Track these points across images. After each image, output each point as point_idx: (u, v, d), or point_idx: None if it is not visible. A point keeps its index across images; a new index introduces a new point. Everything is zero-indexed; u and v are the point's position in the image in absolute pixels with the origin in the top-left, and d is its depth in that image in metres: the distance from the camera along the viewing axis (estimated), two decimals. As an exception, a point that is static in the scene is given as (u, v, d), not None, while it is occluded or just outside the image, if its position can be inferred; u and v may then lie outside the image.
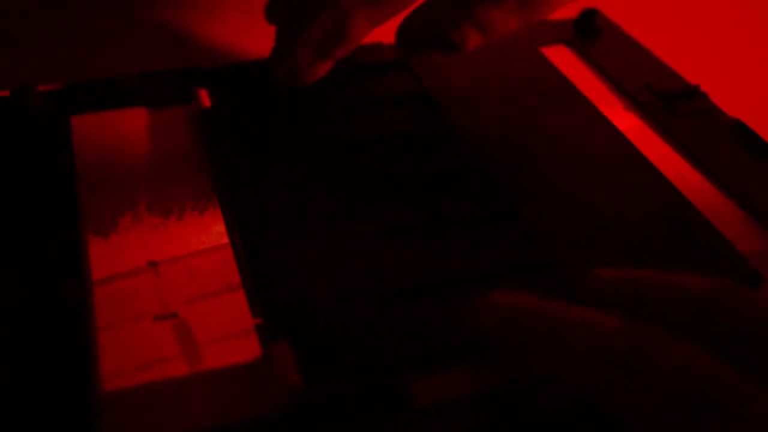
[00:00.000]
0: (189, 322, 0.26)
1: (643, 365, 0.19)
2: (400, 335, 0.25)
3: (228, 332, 0.26)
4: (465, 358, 0.24)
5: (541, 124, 0.35)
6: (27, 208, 0.30)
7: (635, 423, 0.20)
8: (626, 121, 0.36)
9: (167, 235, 0.29)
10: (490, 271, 0.28)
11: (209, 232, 0.29)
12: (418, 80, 0.37)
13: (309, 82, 0.35)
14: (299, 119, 0.35)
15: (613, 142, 0.34)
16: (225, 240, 0.29)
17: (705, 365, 0.19)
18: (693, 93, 0.37)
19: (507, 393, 0.24)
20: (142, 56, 0.41)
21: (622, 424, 0.20)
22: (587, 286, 0.24)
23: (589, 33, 0.42)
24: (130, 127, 0.34)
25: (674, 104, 0.36)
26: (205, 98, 0.35)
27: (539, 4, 0.33)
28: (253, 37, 0.43)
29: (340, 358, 0.24)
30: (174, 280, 0.27)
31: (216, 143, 0.33)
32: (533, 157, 0.33)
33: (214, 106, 0.35)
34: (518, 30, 0.38)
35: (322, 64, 0.34)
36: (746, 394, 0.19)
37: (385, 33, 0.41)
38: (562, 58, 0.40)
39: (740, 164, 0.33)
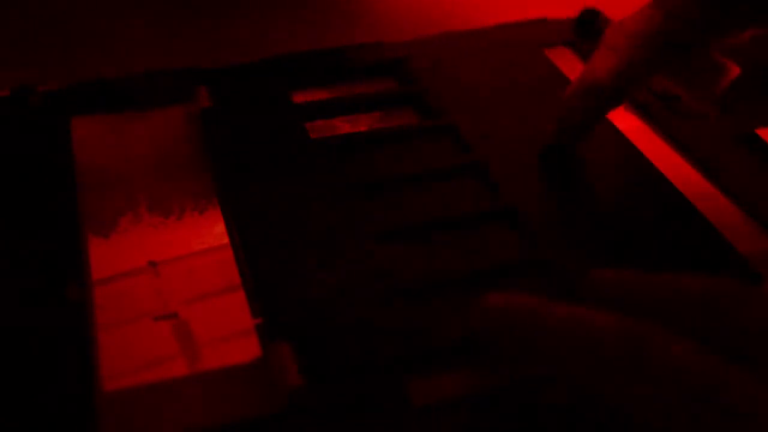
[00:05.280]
0: (189, 322, 0.26)
1: (641, 363, 0.19)
2: (400, 335, 0.25)
3: (228, 332, 0.26)
4: (464, 358, 0.24)
5: (542, 124, 0.35)
6: (27, 208, 0.30)
7: (634, 420, 0.20)
8: (626, 121, 0.36)
9: (167, 235, 0.29)
10: (490, 271, 0.28)
11: (209, 232, 0.29)
12: (419, 80, 0.37)
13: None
14: (298, 119, 0.34)
15: (614, 142, 0.34)
16: (225, 240, 0.29)
17: (704, 362, 0.19)
18: (693, 93, 0.37)
19: (506, 393, 0.24)
20: (143, 56, 0.41)
21: (622, 422, 0.20)
22: (587, 286, 0.24)
23: (589, 33, 0.42)
24: (129, 127, 0.34)
25: (674, 104, 0.36)
26: (205, 97, 0.35)
27: None
28: (254, 37, 0.43)
29: (340, 358, 0.24)
30: (174, 280, 0.27)
31: (216, 143, 0.33)
32: (533, 157, 0.33)
33: (214, 106, 0.35)
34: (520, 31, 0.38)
35: None
36: (745, 391, 0.19)
37: (386, 32, 0.40)
38: (563, 58, 0.40)
39: (741, 165, 0.33)
